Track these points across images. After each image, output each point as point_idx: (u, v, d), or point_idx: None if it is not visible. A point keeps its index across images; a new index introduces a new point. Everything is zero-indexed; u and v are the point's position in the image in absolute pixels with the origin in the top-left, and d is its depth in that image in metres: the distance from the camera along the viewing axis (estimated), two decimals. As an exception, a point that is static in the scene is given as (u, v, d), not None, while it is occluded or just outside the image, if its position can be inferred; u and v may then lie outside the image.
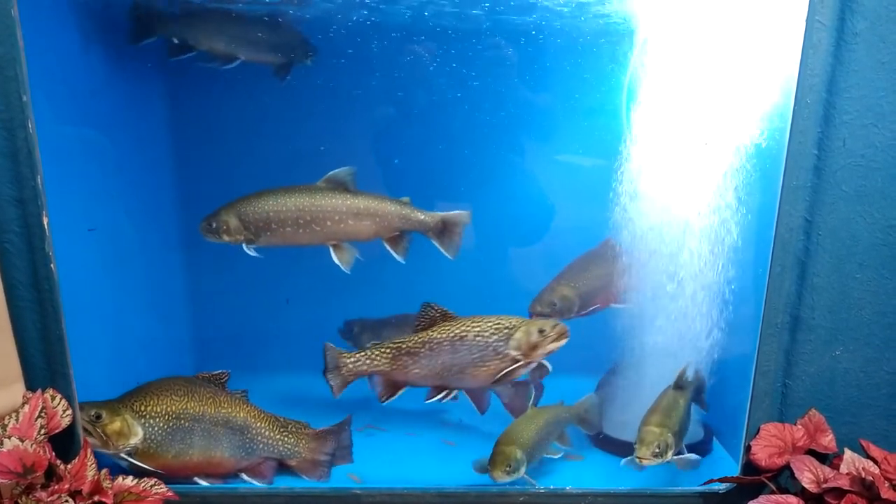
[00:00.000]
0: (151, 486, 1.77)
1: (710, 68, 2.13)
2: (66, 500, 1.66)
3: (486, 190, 2.80)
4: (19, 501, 1.64)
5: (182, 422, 2.04)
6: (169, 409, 2.04)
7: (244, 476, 2.15)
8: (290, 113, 2.67)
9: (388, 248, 2.22)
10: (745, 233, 2.15)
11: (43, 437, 1.73)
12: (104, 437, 1.96)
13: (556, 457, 2.27)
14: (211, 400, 2.10)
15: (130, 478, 1.77)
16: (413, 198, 2.38)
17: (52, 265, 1.79)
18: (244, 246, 2.18)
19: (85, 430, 1.95)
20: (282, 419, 2.20)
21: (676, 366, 2.30)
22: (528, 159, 2.78)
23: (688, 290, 2.29)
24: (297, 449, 2.18)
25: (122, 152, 2.39)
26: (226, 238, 2.17)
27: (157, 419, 2.02)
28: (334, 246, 2.18)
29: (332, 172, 2.16)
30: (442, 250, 2.26)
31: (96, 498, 1.70)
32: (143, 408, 2.02)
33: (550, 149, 2.75)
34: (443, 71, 2.57)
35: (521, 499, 2.03)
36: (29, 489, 1.66)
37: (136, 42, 2.33)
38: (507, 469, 2.02)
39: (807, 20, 1.70)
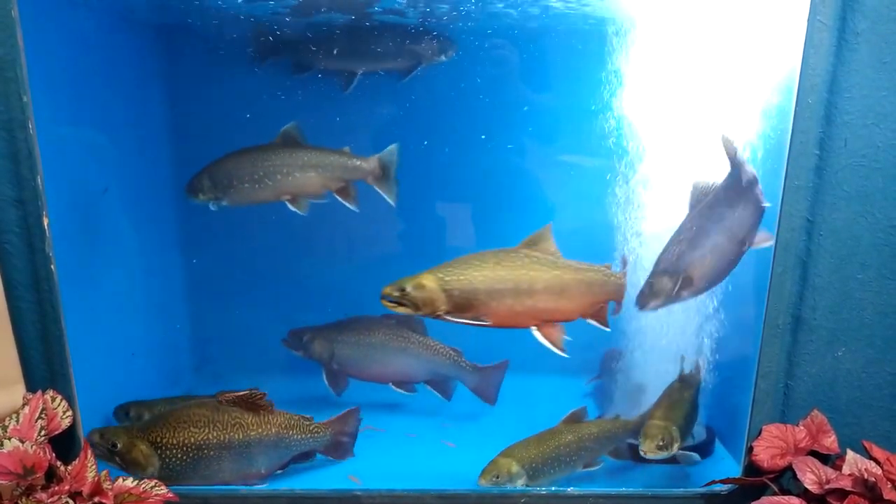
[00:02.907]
0: (152, 488, 1.76)
1: (712, 68, 2.13)
2: (67, 502, 1.66)
3: (485, 188, 2.80)
4: (20, 502, 1.64)
5: (204, 451, 2.02)
6: (188, 440, 2.01)
7: (278, 472, 2.18)
8: (290, 110, 2.66)
9: (340, 200, 2.30)
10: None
11: (43, 438, 1.73)
12: (120, 467, 1.97)
13: (595, 468, 2.24)
14: (237, 426, 2.07)
15: (131, 479, 1.76)
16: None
17: (52, 266, 1.79)
18: (210, 204, 2.26)
19: (101, 455, 1.95)
20: (307, 418, 2.21)
21: (676, 368, 2.30)
22: (527, 159, 2.78)
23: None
24: (324, 439, 2.23)
25: (121, 152, 2.39)
26: (202, 197, 2.25)
27: (175, 450, 2.01)
28: (290, 200, 2.27)
29: (283, 129, 2.27)
30: (384, 196, 2.31)
31: (96, 499, 1.69)
32: (160, 439, 2.00)
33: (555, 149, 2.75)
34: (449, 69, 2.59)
35: (523, 500, 2.02)
36: (29, 490, 1.66)
37: (261, 62, 2.51)
38: (494, 480, 2.04)
39: (808, 20, 1.70)
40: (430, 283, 1.80)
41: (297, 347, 2.58)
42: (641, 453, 2.05)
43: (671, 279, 2.00)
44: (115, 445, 1.96)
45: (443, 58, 2.51)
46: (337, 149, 2.29)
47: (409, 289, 1.80)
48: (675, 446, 2.08)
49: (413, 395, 2.58)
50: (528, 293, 1.83)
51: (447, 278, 1.82)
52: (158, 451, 1.99)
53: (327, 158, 2.27)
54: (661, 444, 2.04)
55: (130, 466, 1.97)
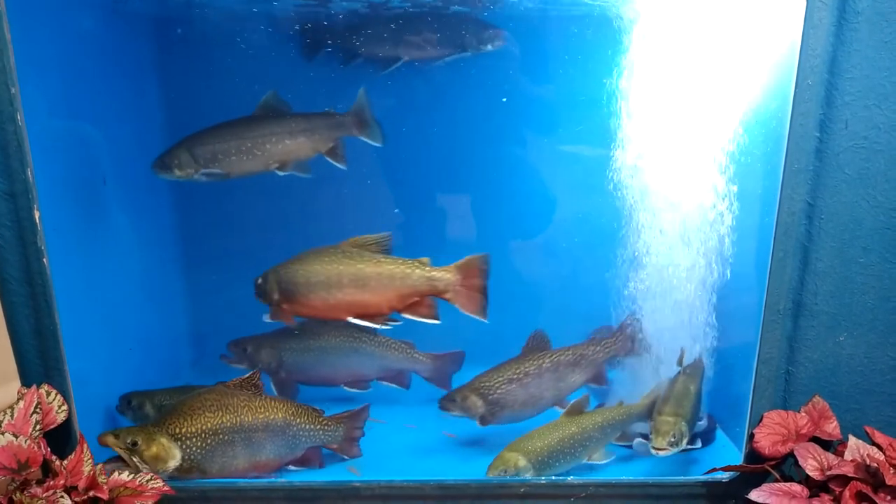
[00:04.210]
0: (148, 481, 1.75)
1: (710, 50, 2.10)
2: (62, 496, 1.65)
3: (485, 183, 2.78)
4: (14, 497, 1.63)
5: (220, 436, 2.02)
6: (204, 426, 2.00)
7: (292, 467, 2.17)
8: (289, 100, 2.64)
9: (330, 160, 2.33)
10: (747, 218, 2.13)
11: (38, 432, 1.72)
12: (143, 464, 1.94)
13: (606, 461, 2.22)
14: (246, 408, 2.07)
15: (126, 473, 1.75)
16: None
17: (44, 260, 1.78)
18: (195, 175, 2.25)
19: (121, 459, 1.93)
20: (318, 410, 2.20)
21: (674, 354, 2.29)
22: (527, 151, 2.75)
23: (689, 277, 2.27)
24: (337, 433, 2.21)
25: (115, 143, 2.37)
26: (177, 173, 2.24)
27: (195, 439, 1.99)
28: (278, 168, 2.29)
29: (264, 99, 2.30)
30: (370, 142, 2.35)
31: (92, 493, 1.68)
32: (178, 430, 1.99)
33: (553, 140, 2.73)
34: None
35: (522, 489, 2.01)
36: (24, 485, 1.65)
37: (310, 59, 2.56)
38: (502, 474, 2.04)
39: (807, -1, 1.67)
40: (272, 276, 2.09)
41: (240, 360, 2.49)
42: (653, 450, 2.06)
43: (484, 405, 2.24)
44: (134, 443, 1.93)
45: (489, 47, 2.51)
46: (320, 112, 2.34)
47: (260, 281, 2.09)
48: (685, 441, 2.10)
49: (415, 388, 2.56)
50: (338, 286, 2.01)
51: (281, 271, 2.08)
52: (178, 442, 1.98)
53: (314, 121, 2.31)
54: (672, 440, 2.05)
55: (152, 463, 1.94)
